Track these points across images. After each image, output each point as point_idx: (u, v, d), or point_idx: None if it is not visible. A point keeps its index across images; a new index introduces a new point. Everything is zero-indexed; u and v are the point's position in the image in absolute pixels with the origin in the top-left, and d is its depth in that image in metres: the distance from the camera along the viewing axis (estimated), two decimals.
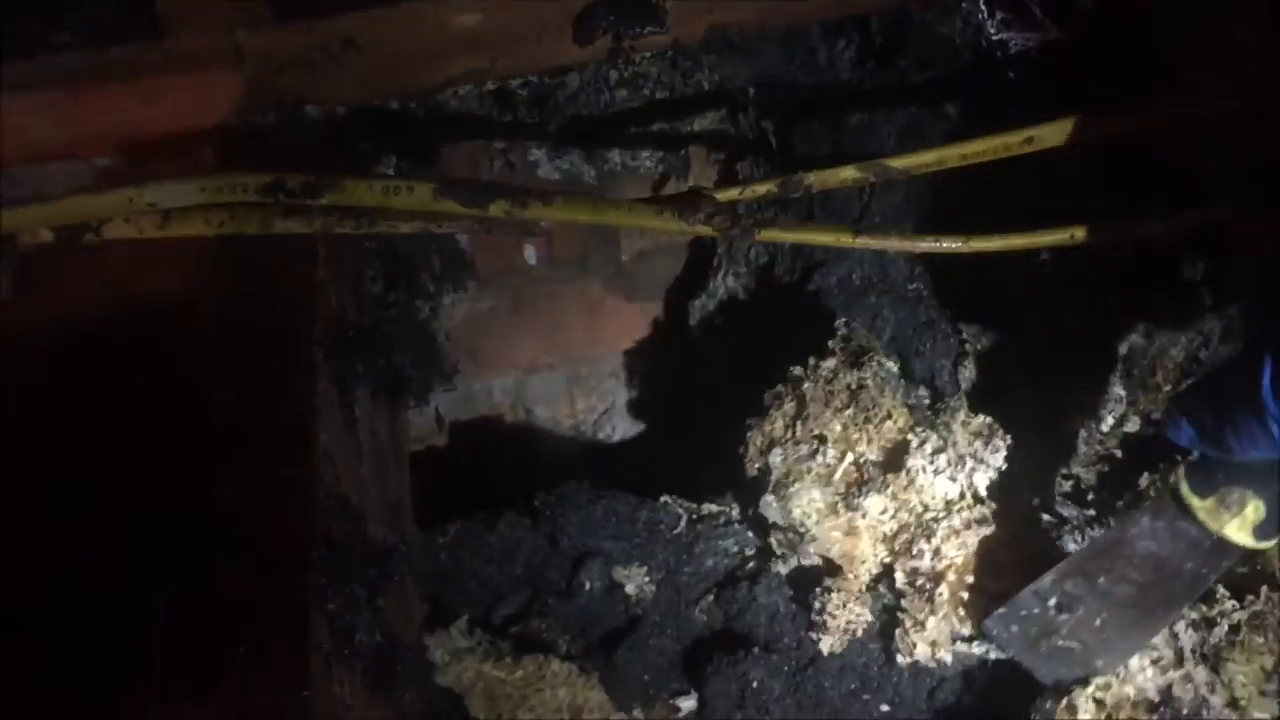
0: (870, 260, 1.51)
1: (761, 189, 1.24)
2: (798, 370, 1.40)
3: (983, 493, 1.31)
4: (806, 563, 1.36)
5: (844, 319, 1.47)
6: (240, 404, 0.97)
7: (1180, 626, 1.14)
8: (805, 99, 1.54)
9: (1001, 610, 1.17)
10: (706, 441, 1.53)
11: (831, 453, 1.32)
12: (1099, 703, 1.12)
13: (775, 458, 1.34)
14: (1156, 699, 1.12)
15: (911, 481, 1.29)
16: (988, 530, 1.27)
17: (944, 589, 1.24)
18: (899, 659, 1.27)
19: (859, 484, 1.31)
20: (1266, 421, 0.88)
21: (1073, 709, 1.12)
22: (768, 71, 1.53)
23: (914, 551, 1.27)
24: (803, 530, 1.32)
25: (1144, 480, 1.26)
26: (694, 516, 1.43)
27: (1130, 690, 1.13)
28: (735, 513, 1.44)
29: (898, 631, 1.27)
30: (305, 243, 1.16)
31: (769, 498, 1.34)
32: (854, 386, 1.37)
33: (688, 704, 1.31)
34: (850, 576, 1.30)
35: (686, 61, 1.51)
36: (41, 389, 1.00)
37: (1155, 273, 1.34)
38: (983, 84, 1.49)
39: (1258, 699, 1.11)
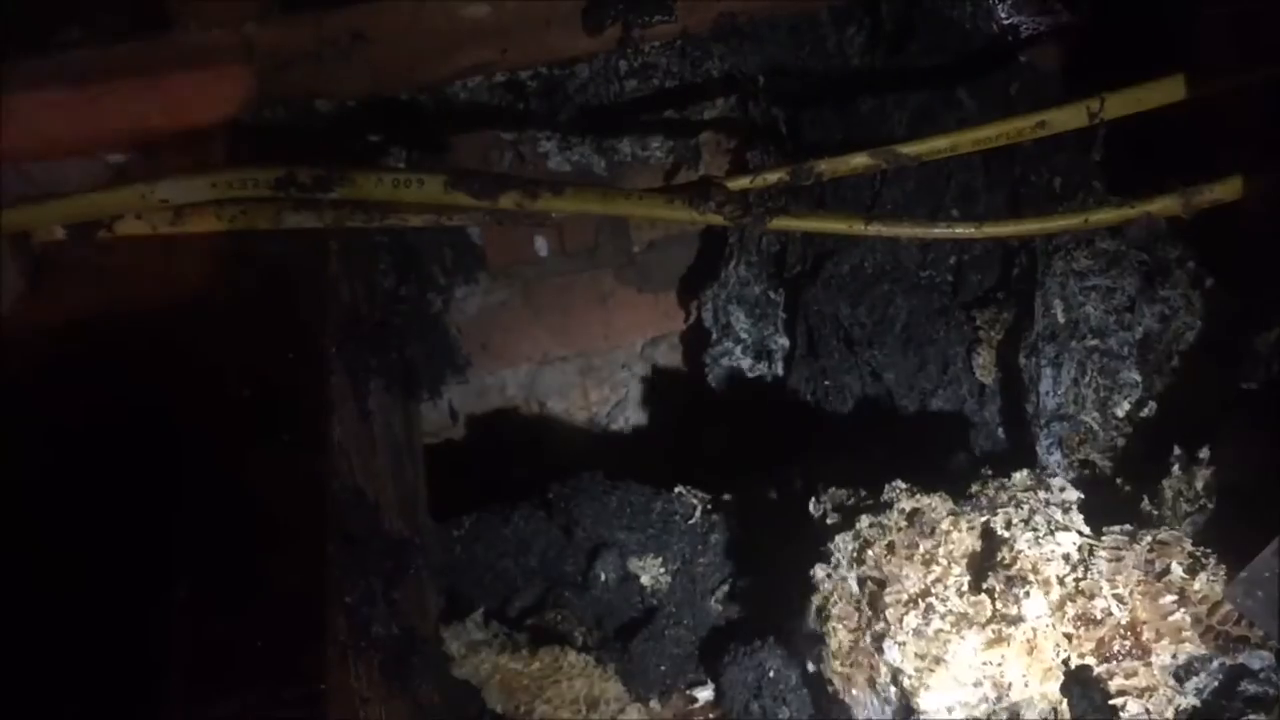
0: (882, 248, 1.51)
1: (773, 177, 1.24)
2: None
3: (1085, 529, 1.17)
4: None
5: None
6: (254, 398, 0.97)
7: None
8: (815, 86, 1.54)
9: (1244, 574, 1.09)
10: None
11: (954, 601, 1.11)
12: None
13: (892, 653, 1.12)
14: None
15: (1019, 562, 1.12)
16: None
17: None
18: None
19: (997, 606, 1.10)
20: None
21: None
22: (777, 59, 1.53)
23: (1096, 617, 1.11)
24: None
25: None
26: (708, 506, 1.43)
27: None
28: None
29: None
30: (317, 236, 1.16)
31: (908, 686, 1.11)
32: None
33: (704, 694, 1.31)
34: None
35: (696, 50, 1.50)
36: (56, 385, 1.00)
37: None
38: (994, 68, 1.48)
39: None
